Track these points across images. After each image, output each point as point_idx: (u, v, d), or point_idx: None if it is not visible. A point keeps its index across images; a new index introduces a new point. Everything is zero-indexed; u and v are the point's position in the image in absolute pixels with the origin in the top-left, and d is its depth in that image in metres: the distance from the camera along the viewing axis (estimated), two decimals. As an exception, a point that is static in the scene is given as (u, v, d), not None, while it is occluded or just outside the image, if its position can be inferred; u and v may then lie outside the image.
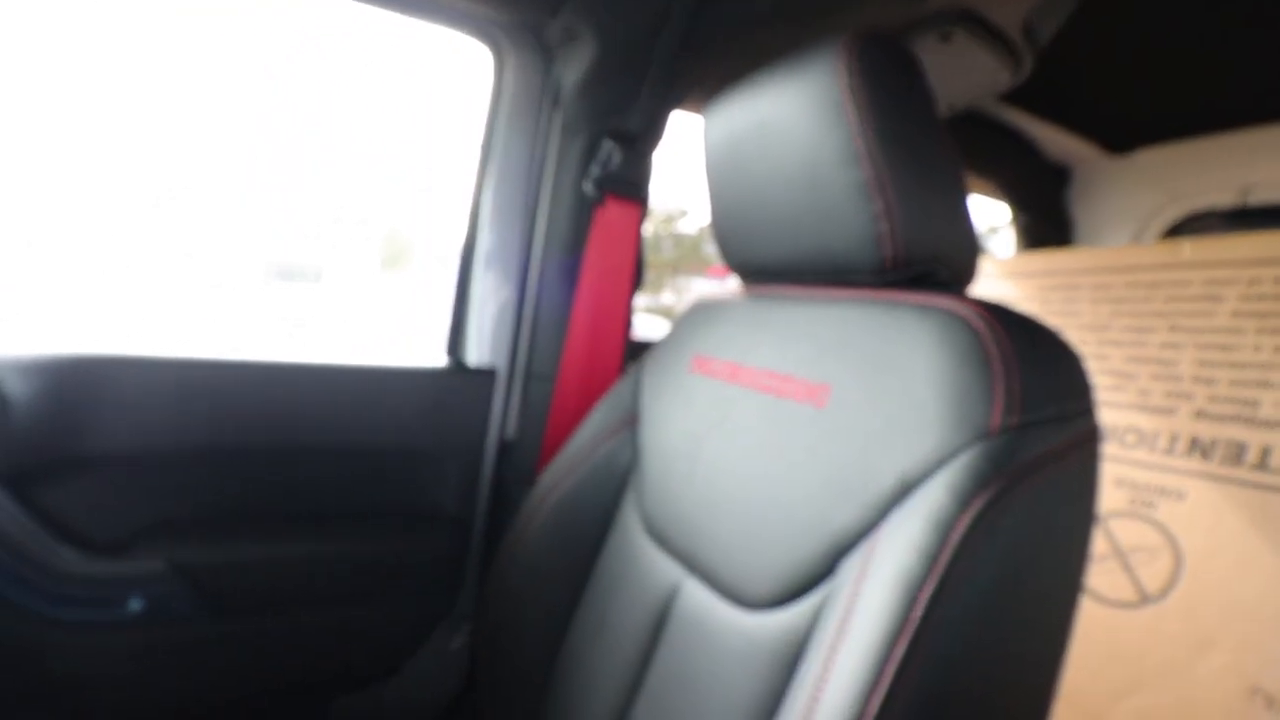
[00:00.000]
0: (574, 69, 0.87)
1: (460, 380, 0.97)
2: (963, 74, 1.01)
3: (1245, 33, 0.97)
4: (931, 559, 0.40)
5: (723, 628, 0.55)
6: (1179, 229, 1.45)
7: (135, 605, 0.75)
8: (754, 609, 0.53)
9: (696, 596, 0.59)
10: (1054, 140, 1.42)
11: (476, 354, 0.99)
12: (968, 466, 0.42)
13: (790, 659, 0.48)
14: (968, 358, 0.45)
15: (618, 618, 0.67)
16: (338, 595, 0.87)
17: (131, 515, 0.80)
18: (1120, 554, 0.84)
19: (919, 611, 0.39)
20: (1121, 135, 1.40)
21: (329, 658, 0.89)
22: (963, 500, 0.41)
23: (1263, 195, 1.30)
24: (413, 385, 0.93)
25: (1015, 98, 1.23)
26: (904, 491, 0.44)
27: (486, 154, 0.97)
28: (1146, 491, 0.84)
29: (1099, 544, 0.85)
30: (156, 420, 0.79)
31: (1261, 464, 0.75)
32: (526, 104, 0.96)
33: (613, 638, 0.67)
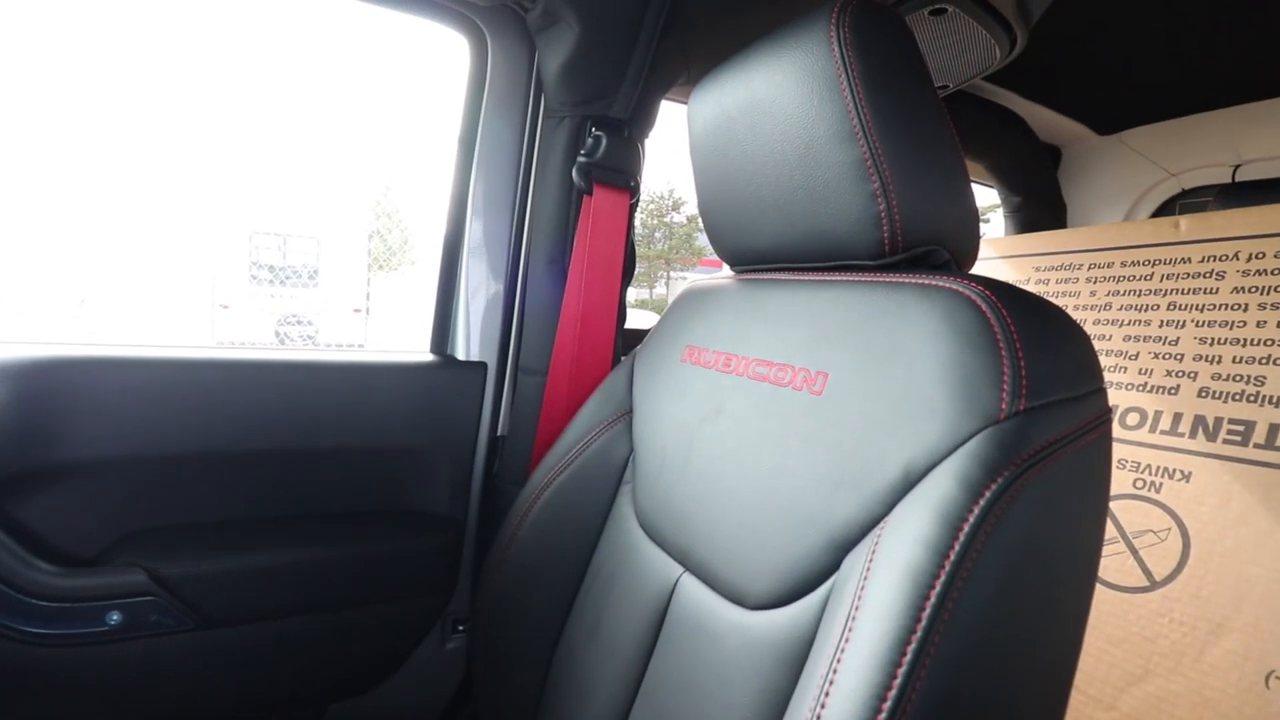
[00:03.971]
0: (556, 54, 0.85)
1: (450, 375, 0.94)
2: (956, 51, 0.99)
3: (1231, 9, 0.96)
4: (941, 553, 0.38)
5: (722, 627, 0.53)
6: (1169, 207, 1.45)
7: (114, 619, 0.72)
8: (755, 609, 0.51)
9: (695, 594, 0.58)
10: (1044, 120, 1.41)
11: (465, 349, 0.96)
12: (976, 454, 0.40)
13: (794, 659, 0.46)
14: (973, 340, 0.43)
15: (615, 617, 0.66)
16: (328, 600, 0.85)
17: (108, 526, 0.77)
18: (1126, 538, 0.82)
19: (929, 609, 0.37)
20: (1110, 114, 1.39)
21: (321, 664, 0.87)
22: (972, 490, 0.39)
23: (1253, 170, 1.29)
24: (401, 380, 0.91)
25: (1005, 78, 1.22)
26: (909, 481, 0.42)
27: (469, 145, 0.94)
28: (1150, 473, 0.82)
29: (1103, 527, 0.84)
30: (131, 424, 0.76)
31: (1269, 442, 0.73)
32: (510, 92, 0.93)
33: (610, 637, 0.65)
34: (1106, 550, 0.83)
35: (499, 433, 0.98)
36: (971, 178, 1.57)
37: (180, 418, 0.78)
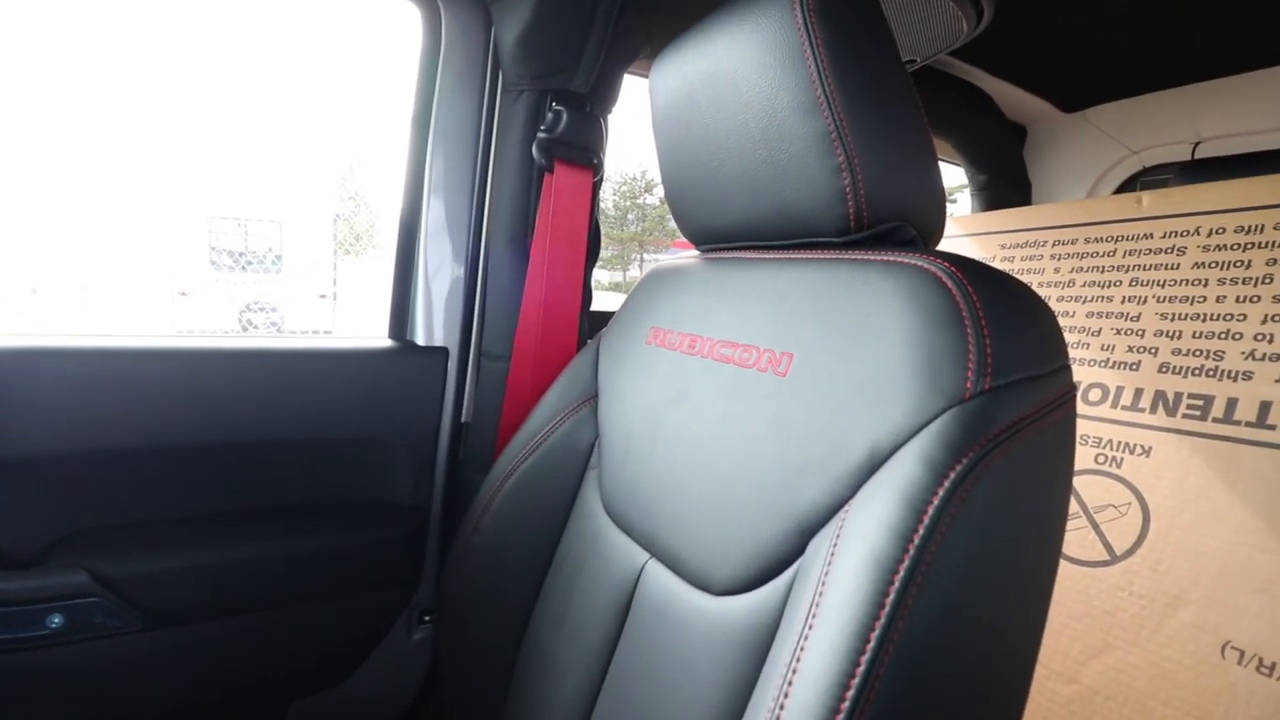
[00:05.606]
0: (512, 24, 0.81)
1: (410, 361, 0.92)
2: (922, 24, 0.98)
3: None
4: (905, 538, 0.37)
5: (688, 614, 0.52)
6: (1131, 184, 1.46)
7: (55, 622, 0.69)
8: (720, 594, 0.50)
9: (661, 581, 0.57)
10: (1010, 98, 1.41)
11: (425, 334, 0.93)
12: (940, 435, 0.39)
13: (759, 646, 0.46)
14: (938, 318, 0.42)
15: (581, 605, 0.65)
16: (288, 595, 0.82)
17: (47, 525, 0.73)
18: (1087, 512, 0.83)
19: (893, 594, 0.36)
20: (1075, 92, 1.39)
21: (283, 660, 0.85)
22: (936, 472, 0.38)
23: (1212, 147, 1.31)
24: (359, 368, 0.88)
25: (972, 54, 1.21)
26: (874, 463, 0.42)
27: (424, 121, 0.91)
28: (1112, 448, 0.83)
29: (1065, 502, 0.85)
30: (70, 418, 0.72)
31: (1227, 416, 0.75)
32: (466, 65, 0.90)
33: (577, 626, 0.64)
34: (1069, 525, 0.84)
35: (463, 419, 0.96)
36: (939, 155, 1.59)
37: (123, 411, 0.74)
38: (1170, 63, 1.22)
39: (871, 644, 0.35)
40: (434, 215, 0.92)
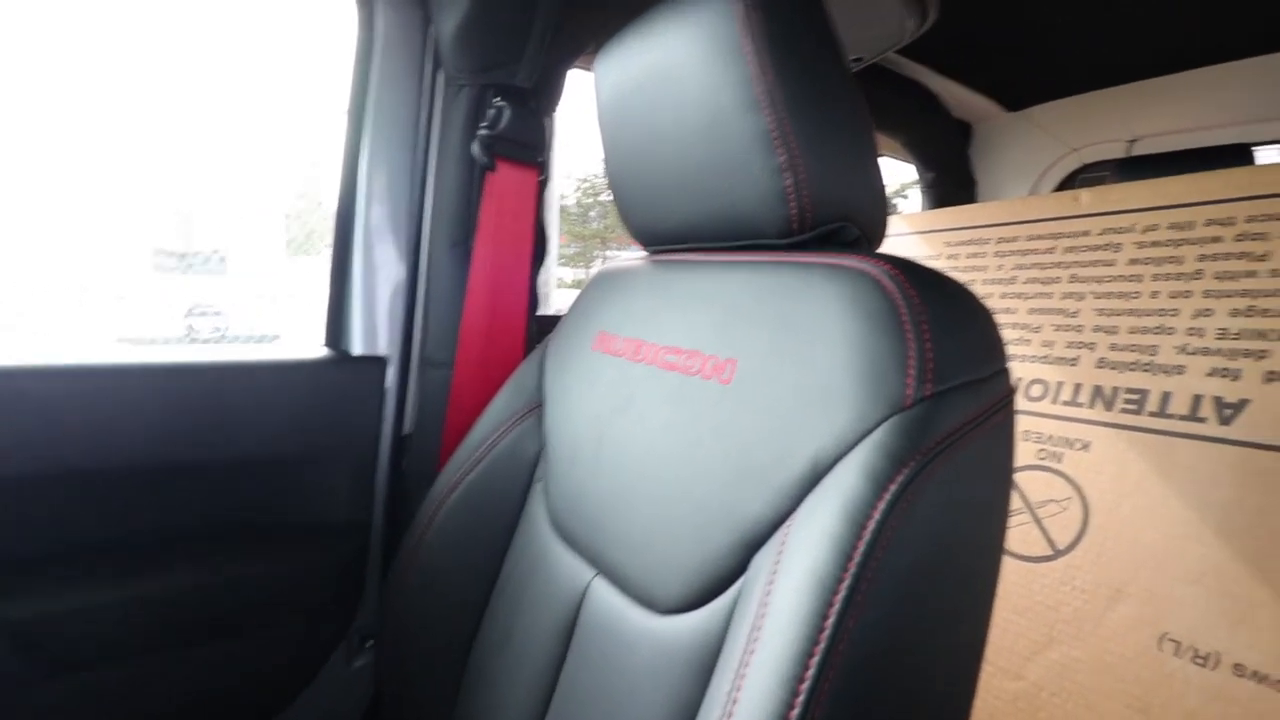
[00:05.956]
0: (451, 14, 0.78)
1: (347, 371, 0.87)
2: (869, 22, 0.98)
3: None
4: (846, 554, 0.36)
5: (633, 633, 0.51)
6: (1071, 181, 1.51)
7: None
8: (666, 613, 0.48)
9: (606, 599, 0.55)
10: (956, 96, 1.43)
11: (362, 341, 0.89)
12: (881, 445, 0.38)
13: (705, 667, 0.44)
14: (879, 322, 0.41)
15: (526, 624, 0.62)
16: (216, 629, 0.77)
17: None
18: (1030, 507, 0.85)
19: (833, 616, 0.35)
20: (1018, 91, 1.42)
21: (214, 696, 0.79)
22: (878, 483, 0.37)
23: (1147, 145, 1.36)
24: (290, 381, 0.83)
25: (918, 53, 1.23)
26: (817, 474, 0.41)
27: (359, 116, 0.86)
28: (1053, 443, 0.84)
29: (1009, 498, 0.86)
30: None
31: (1161, 410, 0.76)
32: (404, 57, 0.86)
33: (522, 647, 0.62)
34: (1011, 522, 0.86)
35: (405, 431, 0.92)
36: (887, 153, 1.61)
37: (18, 434, 0.67)
38: (1106, 63, 1.25)
39: (811, 670, 0.34)
40: (371, 216, 0.88)
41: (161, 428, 0.75)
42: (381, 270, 0.89)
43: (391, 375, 0.90)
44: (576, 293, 0.77)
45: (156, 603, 0.73)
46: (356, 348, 0.89)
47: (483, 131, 0.83)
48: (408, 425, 0.92)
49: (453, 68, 0.83)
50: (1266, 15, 1.03)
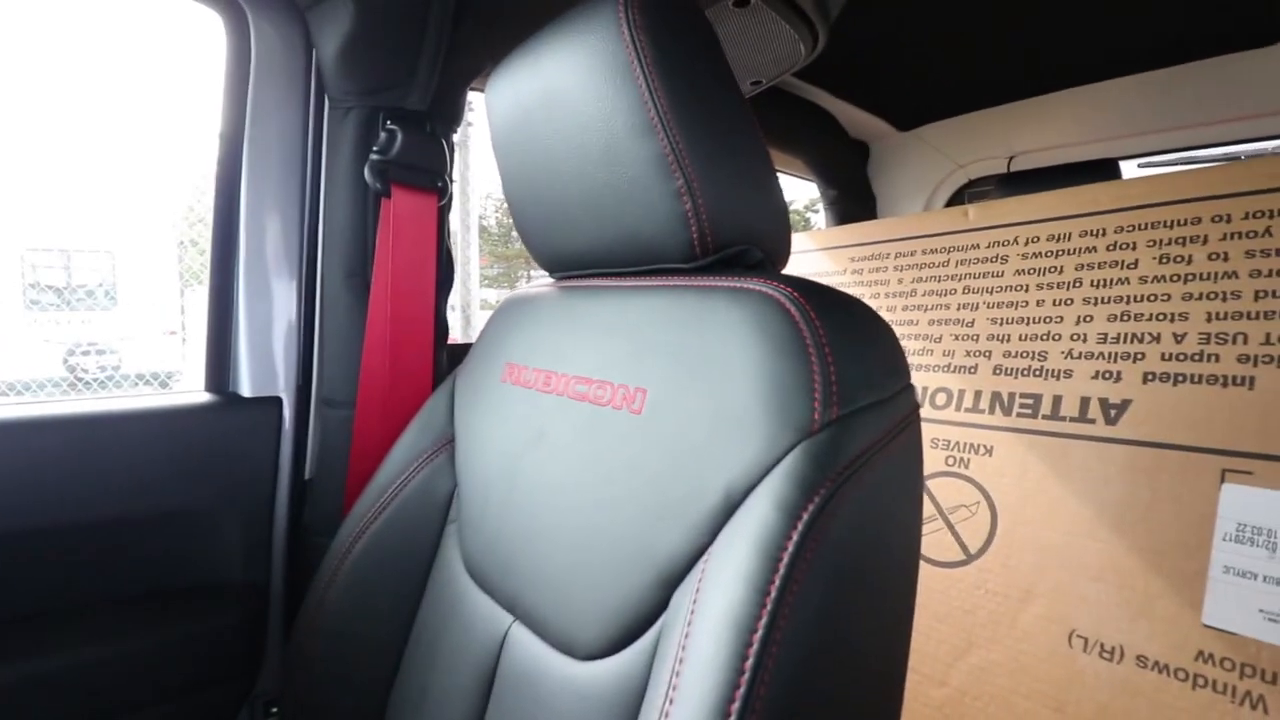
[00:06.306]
0: (331, 35, 0.74)
1: (235, 416, 0.80)
2: (763, 46, 1.00)
3: (1006, 13, 1.05)
4: (762, 590, 0.35)
5: (554, 683, 0.48)
6: (959, 196, 1.61)
7: None
8: (586, 659, 0.46)
9: (525, 646, 0.52)
10: (852, 117, 1.50)
11: (252, 383, 0.82)
12: (792, 473, 0.37)
13: (628, 715, 0.42)
14: (784, 347, 0.41)
15: (442, 679, 0.59)
16: (102, 710, 0.68)
17: None
18: (943, 514, 0.87)
19: (752, 658, 0.34)
20: (908, 112, 1.50)
21: None
22: (790, 514, 0.36)
23: (1024, 161, 1.46)
24: (170, 429, 0.75)
25: (815, 76, 1.27)
26: (730, 506, 0.40)
27: (235, 141, 0.80)
28: (959, 449, 0.87)
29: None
30: None
31: (1054, 413, 0.80)
32: (284, 78, 0.80)
33: (437, 705, 0.58)
34: (926, 529, 0.88)
35: (306, 477, 0.85)
36: (792, 172, 1.66)
37: None
38: (986, 83, 1.34)
39: (735, 713, 0.33)
40: (254, 247, 0.81)
41: (30, 487, 0.67)
42: (269, 304, 0.82)
43: (288, 417, 0.83)
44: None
45: (16, 690, 0.63)
46: (246, 389, 0.82)
47: (375, 157, 0.79)
48: (308, 471, 0.85)
49: (337, 90, 0.79)
50: (1127, 39, 1.13)
